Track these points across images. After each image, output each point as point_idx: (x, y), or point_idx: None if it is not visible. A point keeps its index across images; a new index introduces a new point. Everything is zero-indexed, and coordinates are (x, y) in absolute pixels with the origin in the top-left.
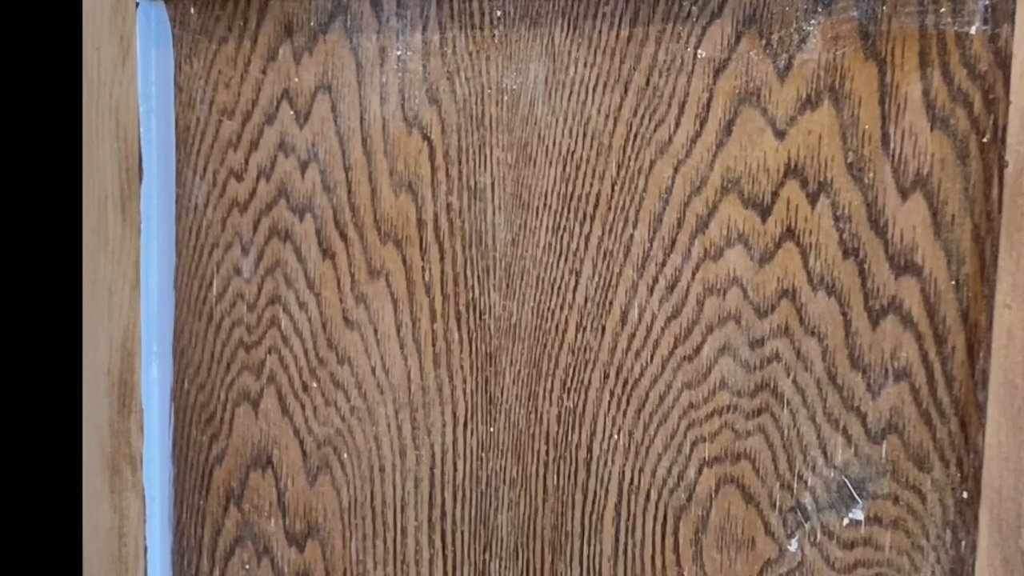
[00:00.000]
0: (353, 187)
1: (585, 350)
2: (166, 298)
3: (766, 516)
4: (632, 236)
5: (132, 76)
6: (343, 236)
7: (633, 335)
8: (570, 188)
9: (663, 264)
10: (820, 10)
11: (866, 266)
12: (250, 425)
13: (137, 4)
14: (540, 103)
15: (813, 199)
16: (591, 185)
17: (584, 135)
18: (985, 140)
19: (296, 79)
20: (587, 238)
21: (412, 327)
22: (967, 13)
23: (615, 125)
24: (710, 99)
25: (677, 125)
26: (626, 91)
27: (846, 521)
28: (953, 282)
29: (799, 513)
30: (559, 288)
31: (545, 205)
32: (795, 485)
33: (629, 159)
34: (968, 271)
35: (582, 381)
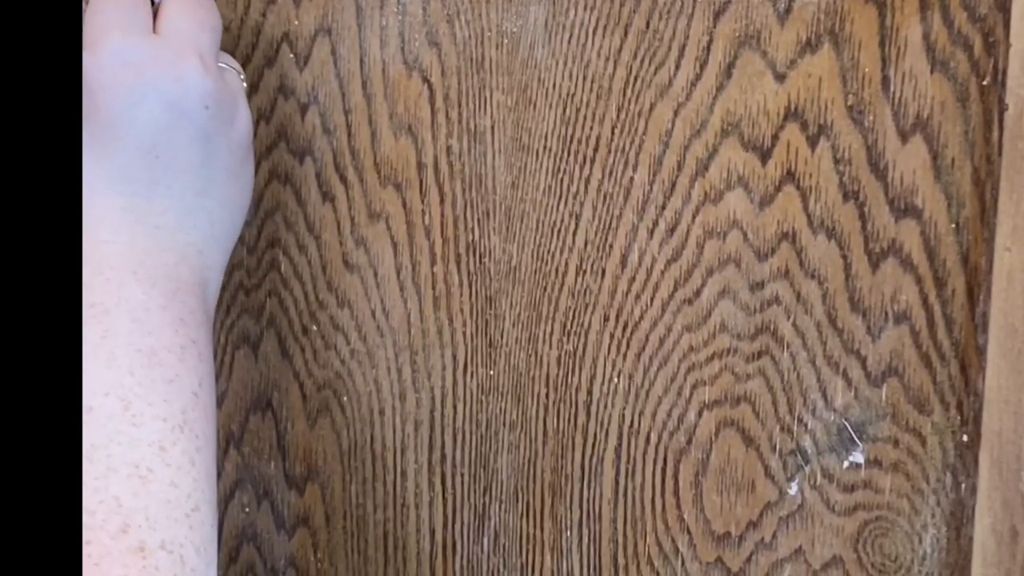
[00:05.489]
0: (353, 130)
1: (585, 293)
2: None
3: (766, 459)
4: (632, 179)
5: None
6: (343, 179)
7: (633, 278)
8: (570, 131)
9: (663, 207)
10: None
11: (866, 209)
12: (250, 368)
13: None
14: (540, 46)
15: (813, 142)
16: (591, 128)
17: (584, 78)
18: (985, 83)
19: (296, 22)
20: (587, 181)
21: (412, 270)
22: None
23: (615, 68)
24: (710, 42)
25: (677, 68)
26: (626, 34)
27: (846, 464)
28: (953, 225)
29: (799, 456)
30: (559, 231)
31: (545, 148)
32: (795, 428)
33: (629, 102)
34: (968, 214)
35: (582, 324)
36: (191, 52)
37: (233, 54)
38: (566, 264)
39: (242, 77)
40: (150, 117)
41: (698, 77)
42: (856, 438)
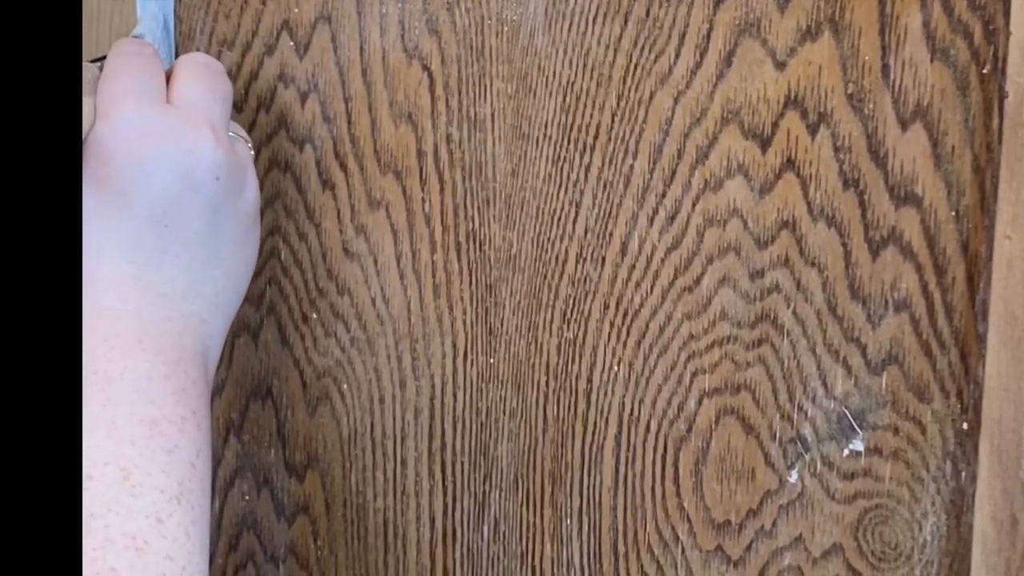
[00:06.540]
0: (353, 118)
1: (585, 281)
2: None
3: (766, 447)
4: (632, 167)
5: (131, 7)
6: (343, 167)
7: (633, 266)
8: (570, 119)
9: (663, 195)
10: None
11: (866, 197)
12: (250, 356)
13: None
14: (540, 34)
15: (813, 130)
16: (591, 116)
17: (584, 66)
18: (985, 71)
19: (296, 10)
20: (587, 169)
21: (412, 258)
22: None
23: (615, 56)
24: (710, 30)
25: (677, 56)
26: (626, 22)
27: (846, 452)
28: (953, 213)
29: (799, 444)
30: (559, 219)
31: (545, 136)
32: (795, 416)
33: (629, 90)
34: (968, 202)
35: (582, 312)
36: (203, 123)
37: (233, 43)
38: (566, 252)
39: (250, 146)
40: (162, 187)
41: (698, 65)
42: (856, 426)
